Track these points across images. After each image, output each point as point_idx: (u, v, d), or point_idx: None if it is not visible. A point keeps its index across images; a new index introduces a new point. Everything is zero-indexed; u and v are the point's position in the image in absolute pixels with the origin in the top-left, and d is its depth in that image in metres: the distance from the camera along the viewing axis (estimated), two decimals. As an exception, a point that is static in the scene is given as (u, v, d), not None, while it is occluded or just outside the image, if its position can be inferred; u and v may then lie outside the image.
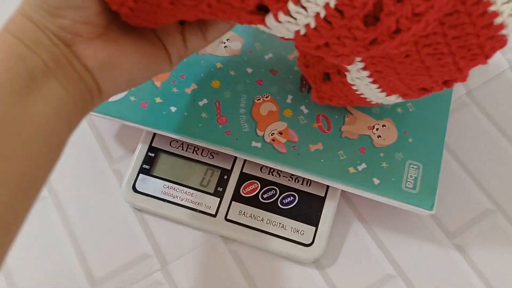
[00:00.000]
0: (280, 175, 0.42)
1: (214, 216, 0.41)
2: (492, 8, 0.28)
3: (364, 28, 0.26)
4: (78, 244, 0.41)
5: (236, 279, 0.40)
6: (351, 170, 0.39)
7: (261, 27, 0.29)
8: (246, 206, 0.41)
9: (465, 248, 0.41)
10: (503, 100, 0.47)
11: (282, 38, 0.30)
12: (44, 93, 0.24)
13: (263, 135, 0.40)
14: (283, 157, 0.39)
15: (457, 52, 0.29)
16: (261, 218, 0.40)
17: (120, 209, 0.42)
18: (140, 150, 0.43)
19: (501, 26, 0.28)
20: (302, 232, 0.40)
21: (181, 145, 0.43)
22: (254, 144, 0.40)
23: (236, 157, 0.42)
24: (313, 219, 0.40)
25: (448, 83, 0.32)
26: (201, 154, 0.43)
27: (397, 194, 0.38)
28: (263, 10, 0.27)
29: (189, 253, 0.41)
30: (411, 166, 0.39)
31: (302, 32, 0.28)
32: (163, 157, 0.42)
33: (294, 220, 0.40)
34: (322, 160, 0.39)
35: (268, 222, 0.40)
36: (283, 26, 0.28)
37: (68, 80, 0.26)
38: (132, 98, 0.41)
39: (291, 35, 0.29)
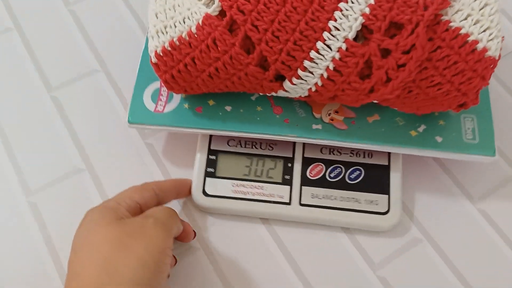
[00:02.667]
0: (341, 153, 0.43)
1: (289, 204, 0.41)
2: (471, 38, 0.33)
3: (361, 81, 0.34)
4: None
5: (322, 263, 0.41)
6: (413, 133, 0.40)
7: (280, 93, 0.37)
8: (316, 188, 0.42)
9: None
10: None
11: (299, 98, 0.38)
12: None
13: (320, 117, 0.41)
14: (345, 133, 0.41)
15: (454, 80, 0.34)
16: (334, 197, 0.41)
17: (192, 216, 0.43)
18: (200, 155, 0.43)
19: (484, 50, 0.34)
20: (376, 202, 0.41)
21: (238, 143, 0.43)
22: (314, 127, 0.41)
23: (294, 144, 0.43)
24: (383, 188, 0.41)
25: (463, 106, 0.37)
26: (260, 148, 0.43)
27: (461, 148, 0.40)
28: (279, 79, 0.36)
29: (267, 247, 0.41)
30: (466, 119, 0.41)
31: (313, 89, 0.36)
32: (224, 158, 0.43)
33: (366, 192, 0.41)
34: (383, 129, 0.41)
35: (341, 199, 0.41)
36: (297, 87, 0.36)
37: None
38: (186, 106, 0.42)
39: (305, 93, 0.36)
